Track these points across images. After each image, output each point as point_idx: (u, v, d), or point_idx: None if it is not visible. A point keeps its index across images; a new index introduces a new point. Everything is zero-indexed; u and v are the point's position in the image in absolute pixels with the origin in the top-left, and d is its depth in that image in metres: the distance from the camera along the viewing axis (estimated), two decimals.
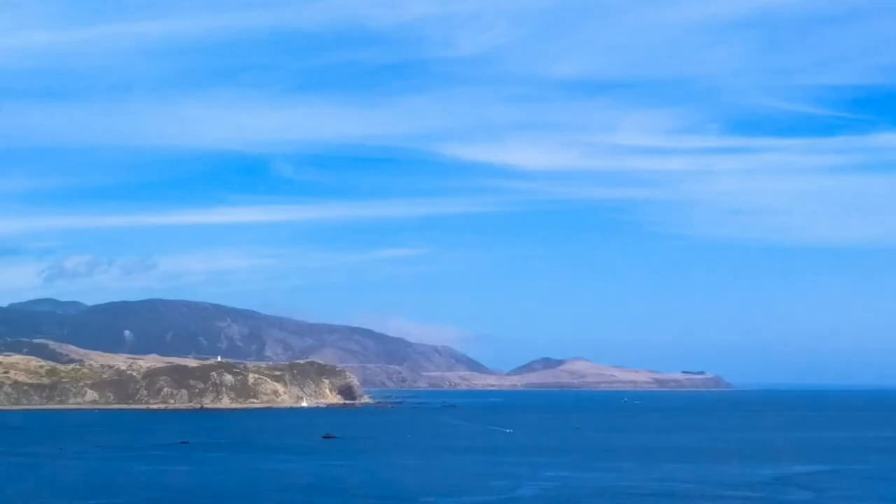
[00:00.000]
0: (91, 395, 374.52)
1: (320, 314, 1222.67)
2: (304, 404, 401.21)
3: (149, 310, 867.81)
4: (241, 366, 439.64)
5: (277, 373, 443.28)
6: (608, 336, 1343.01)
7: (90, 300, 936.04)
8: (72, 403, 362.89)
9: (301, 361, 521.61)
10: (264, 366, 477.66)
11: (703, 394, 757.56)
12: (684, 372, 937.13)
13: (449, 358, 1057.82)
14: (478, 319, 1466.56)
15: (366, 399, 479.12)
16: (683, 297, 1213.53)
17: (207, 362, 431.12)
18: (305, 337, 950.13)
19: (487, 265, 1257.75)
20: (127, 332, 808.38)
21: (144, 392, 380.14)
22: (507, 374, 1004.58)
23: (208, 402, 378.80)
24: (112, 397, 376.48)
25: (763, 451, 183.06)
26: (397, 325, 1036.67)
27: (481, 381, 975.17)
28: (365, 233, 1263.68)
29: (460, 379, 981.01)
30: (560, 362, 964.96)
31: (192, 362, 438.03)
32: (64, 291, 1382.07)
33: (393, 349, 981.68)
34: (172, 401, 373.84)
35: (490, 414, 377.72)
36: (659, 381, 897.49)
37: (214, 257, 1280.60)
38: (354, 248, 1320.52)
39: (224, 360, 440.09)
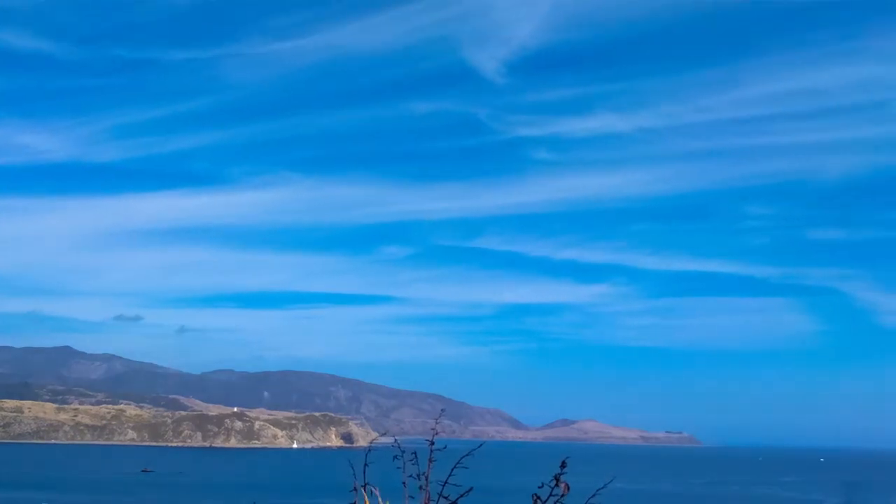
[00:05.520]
0: (131, 434, 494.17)
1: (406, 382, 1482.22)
2: (295, 446, 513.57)
3: (283, 377, 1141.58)
4: (251, 414, 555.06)
5: (293, 421, 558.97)
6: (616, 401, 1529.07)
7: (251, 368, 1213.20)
8: (116, 440, 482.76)
9: (317, 413, 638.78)
10: (277, 414, 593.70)
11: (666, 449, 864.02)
12: (666, 431, 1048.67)
13: (497, 417, 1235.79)
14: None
15: (361, 443, 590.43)
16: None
17: (224, 411, 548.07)
18: (391, 399, 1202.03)
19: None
20: (266, 393, 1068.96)
21: (170, 433, 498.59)
22: (534, 429, 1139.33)
23: (218, 443, 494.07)
24: (146, 436, 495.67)
25: None
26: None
27: (512, 434, 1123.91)
28: None
29: (496, 432, 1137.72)
30: (574, 421, 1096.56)
31: (212, 410, 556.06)
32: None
33: (457, 409, 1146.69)
34: (190, 440, 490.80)
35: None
36: (644, 438, 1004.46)
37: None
38: None
39: (238, 410, 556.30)
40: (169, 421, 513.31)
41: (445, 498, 8.81)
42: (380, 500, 9.07)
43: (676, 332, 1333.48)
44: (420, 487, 8.88)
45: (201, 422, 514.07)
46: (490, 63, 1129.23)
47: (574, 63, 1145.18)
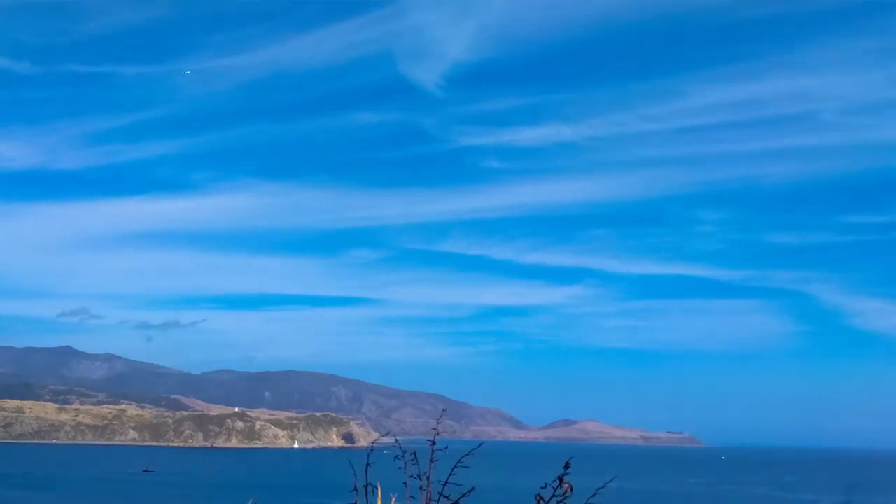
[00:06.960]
0: (132, 434, 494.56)
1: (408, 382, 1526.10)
2: (296, 446, 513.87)
3: (284, 377, 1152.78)
4: (253, 414, 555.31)
5: (294, 421, 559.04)
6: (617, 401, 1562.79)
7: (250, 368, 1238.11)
8: (117, 440, 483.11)
9: (318, 413, 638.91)
10: (278, 414, 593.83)
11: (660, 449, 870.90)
12: (667, 431, 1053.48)
13: (497, 417, 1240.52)
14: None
15: (363, 443, 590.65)
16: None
17: (226, 411, 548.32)
18: (392, 399, 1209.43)
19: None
20: (267, 393, 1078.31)
21: (172, 433, 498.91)
22: (535, 429, 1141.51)
23: (219, 443, 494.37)
24: (148, 436, 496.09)
25: None
26: None
27: (513, 434, 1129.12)
28: None
29: (497, 432, 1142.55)
30: (575, 421, 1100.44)
31: (213, 410, 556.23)
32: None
33: (458, 409, 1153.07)
34: (191, 440, 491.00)
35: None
36: (645, 438, 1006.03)
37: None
38: None
39: (239, 410, 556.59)
40: (170, 421, 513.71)
41: (446, 498, 8.77)
42: (392, 500, 9.23)
43: (655, 334, 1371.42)
44: (420, 488, 8.83)
45: (202, 422, 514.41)
46: (428, 76, 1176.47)
47: (510, 76, 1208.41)
